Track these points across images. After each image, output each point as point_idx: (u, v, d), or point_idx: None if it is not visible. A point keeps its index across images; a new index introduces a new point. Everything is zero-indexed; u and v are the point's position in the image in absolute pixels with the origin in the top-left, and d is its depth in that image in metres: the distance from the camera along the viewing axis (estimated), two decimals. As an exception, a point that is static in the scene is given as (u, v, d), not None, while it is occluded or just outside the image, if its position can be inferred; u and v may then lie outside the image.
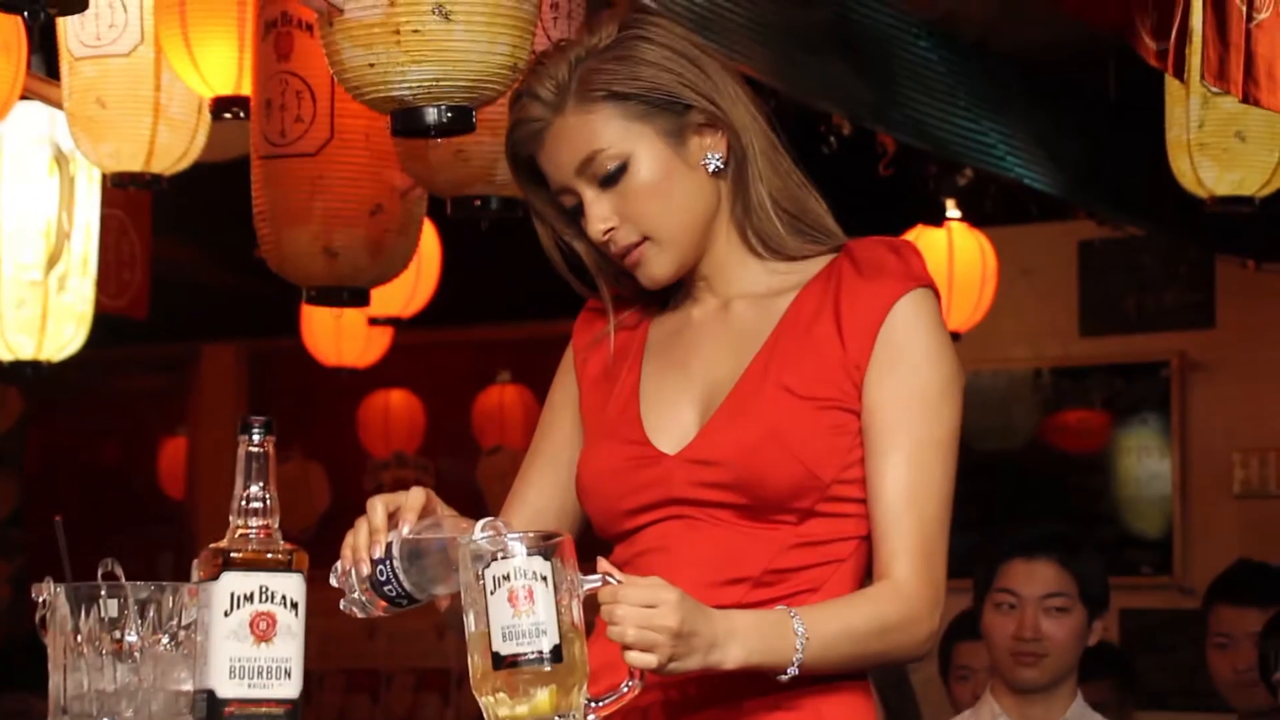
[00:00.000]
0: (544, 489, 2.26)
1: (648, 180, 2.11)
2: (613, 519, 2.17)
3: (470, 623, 1.86)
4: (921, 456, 2.09)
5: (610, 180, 2.11)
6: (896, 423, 2.09)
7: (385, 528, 2.02)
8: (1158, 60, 2.86)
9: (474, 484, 7.57)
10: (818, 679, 2.05)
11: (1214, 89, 2.91)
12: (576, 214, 2.16)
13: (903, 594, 2.06)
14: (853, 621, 2.03)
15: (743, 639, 1.95)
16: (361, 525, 2.03)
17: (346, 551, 2.03)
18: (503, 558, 1.84)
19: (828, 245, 2.18)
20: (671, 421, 2.15)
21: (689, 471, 2.11)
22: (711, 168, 2.14)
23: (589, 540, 2.18)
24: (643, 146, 2.11)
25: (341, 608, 2.05)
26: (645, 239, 2.13)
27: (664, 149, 2.12)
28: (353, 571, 2.02)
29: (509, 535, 1.86)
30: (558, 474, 2.25)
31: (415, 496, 2.04)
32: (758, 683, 2.04)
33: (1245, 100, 2.57)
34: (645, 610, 1.89)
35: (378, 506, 2.03)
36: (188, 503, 8.31)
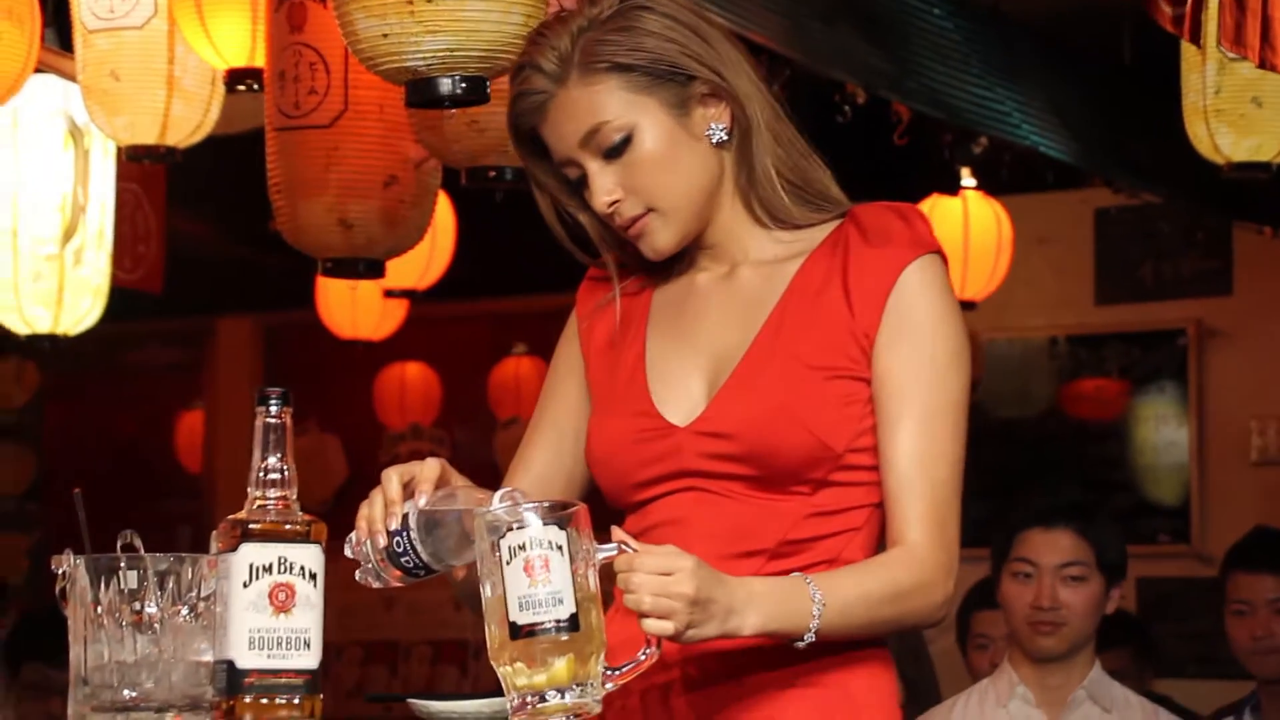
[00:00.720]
0: (548, 457, 2.25)
1: (652, 152, 2.10)
2: (624, 490, 2.16)
3: (487, 593, 1.86)
4: (932, 422, 2.08)
5: (615, 152, 2.10)
6: (907, 389, 2.08)
7: (401, 499, 2.02)
8: (1174, 25, 2.84)
9: (490, 456, 7.58)
10: (838, 650, 2.06)
11: (1231, 54, 2.90)
12: (580, 185, 2.15)
13: (917, 559, 2.05)
14: (868, 587, 2.03)
15: (759, 605, 1.95)
16: (376, 497, 2.03)
17: (361, 523, 2.03)
18: (518, 528, 1.84)
19: (832, 212, 2.17)
20: (680, 392, 2.14)
21: (700, 444, 2.11)
22: (715, 138, 2.13)
23: (600, 509, 2.18)
24: (647, 118, 2.10)
25: (357, 578, 2.05)
26: (650, 210, 2.12)
27: (668, 120, 2.10)
28: (368, 543, 2.02)
29: (524, 505, 1.86)
30: (562, 441, 2.25)
31: (430, 467, 2.03)
32: (780, 656, 2.04)
33: (1262, 66, 2.56)
34: (661, 578, 1.88)
35: (393, 478, 2.02)
36: (205, 476, 8.33)
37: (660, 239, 2.14)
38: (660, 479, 2.13)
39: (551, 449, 2.25)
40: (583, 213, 2.18)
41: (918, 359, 2.09)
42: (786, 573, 2.04)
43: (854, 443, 2.09)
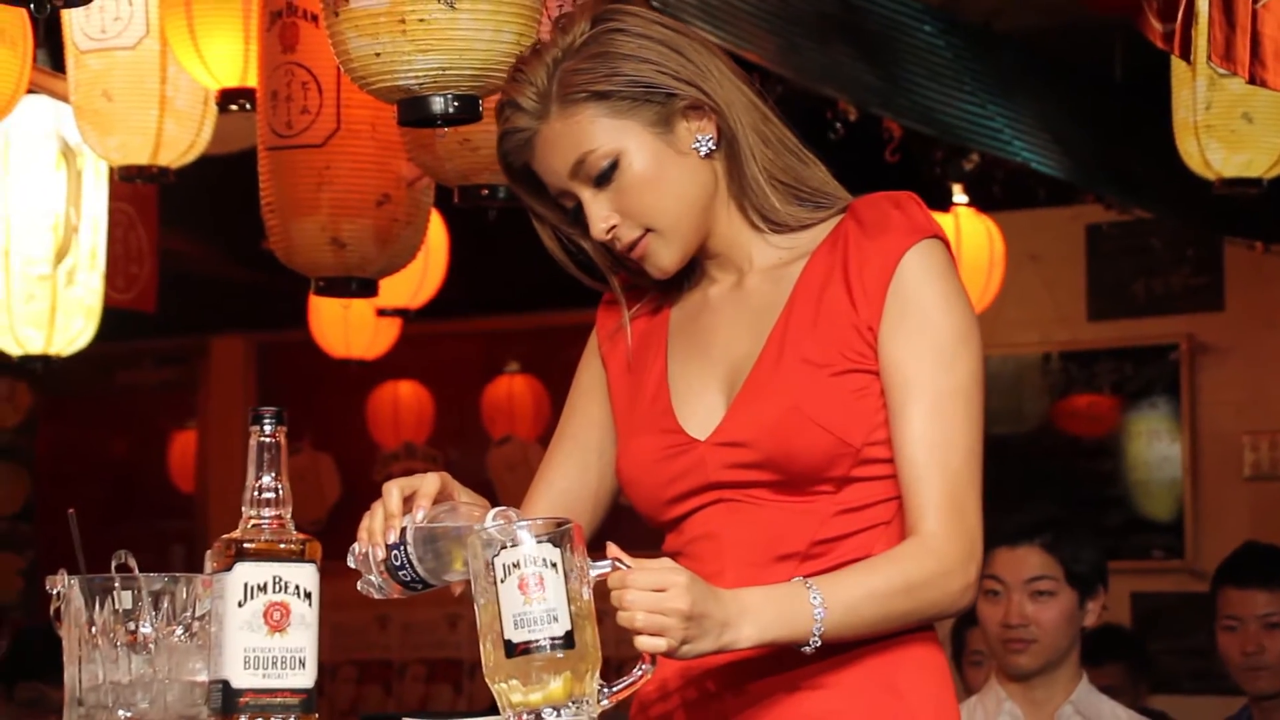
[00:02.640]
0: (570, 471, 2.26)
1: (641, 174, 2.10)
2: (657, 509, 2.17)
3: (481, 611, 1.86)
4: (941, 407, 2.07)
5: (604, 179, 2.10)
6: (914, 376, 2.07)
7: (400, 513, 2.02)
8: (1164, 42, 2.85)
9: (484, 474, 7.58)
10: (879, 643, 2.05)
11: (1221, 70, 2.91)
12: (579, 214, 2.15)
13: (929, 548, 2.04)
14: (874, 583, 2.01)
15: (754, 617, 1.94)
16: (377, 509, 2.03)
17: (363, 534, 2.03)
18: (512, 545, 1.84)
19: (832, 208, 2.17)
20: (700, 406, 2.15)
21: (720, 455, 2.11)
22: (703, 151, 2.13)
23: (638, 526, 2.19)
24: (632, 141, 2.10)
25: (359, 588, 2.05)
26: (648, 231, 2.12)
27: (653, 140, 2.10)
28: (369, 553, 2.03)
29: (518, 523, 1.86)
30: (585, 456, 2.26)
31: (430, 482, 2.04)
32: (815, 657, 2.01)
33: (1252, 81, 2.56)
34: (655, 594, 1.88)
35: (393, 491, 2.03)
36: (198, 496, 8.32)
37: (662, 258, 2.14)
38: (688, 494, 2.13)
39: (575, 465, 2.26)
40: (586, 240, 2.18)
41: (923, 345, 2.08)
42: (822, 573, 2.03)
43: (871, 436, 2.09)
